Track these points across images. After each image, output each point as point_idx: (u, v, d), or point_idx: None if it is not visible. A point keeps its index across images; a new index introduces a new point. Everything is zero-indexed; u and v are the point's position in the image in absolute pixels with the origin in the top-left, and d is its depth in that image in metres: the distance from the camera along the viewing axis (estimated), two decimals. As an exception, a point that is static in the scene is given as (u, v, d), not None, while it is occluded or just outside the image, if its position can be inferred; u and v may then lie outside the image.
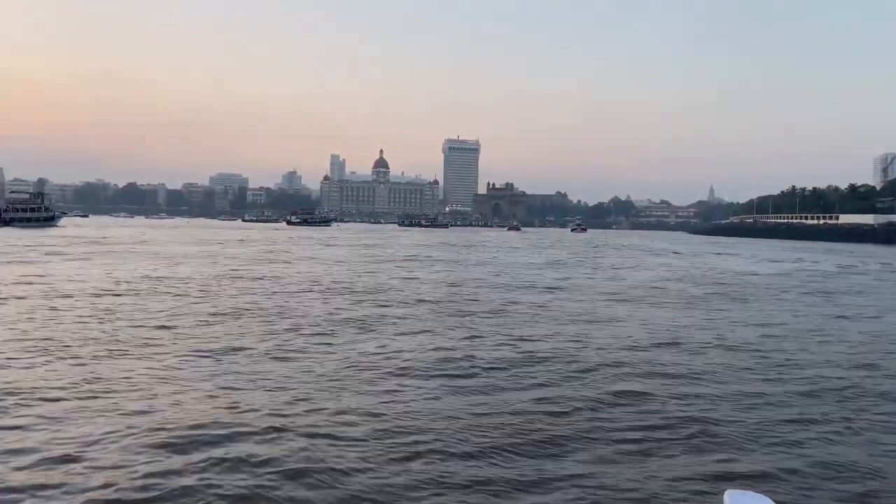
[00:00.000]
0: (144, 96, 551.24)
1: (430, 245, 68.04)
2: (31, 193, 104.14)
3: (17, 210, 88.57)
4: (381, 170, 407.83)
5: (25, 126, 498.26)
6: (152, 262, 33.33)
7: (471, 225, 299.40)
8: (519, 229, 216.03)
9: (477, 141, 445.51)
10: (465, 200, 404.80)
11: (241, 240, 62.13)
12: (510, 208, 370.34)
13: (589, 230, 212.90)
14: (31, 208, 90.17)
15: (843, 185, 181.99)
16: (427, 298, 20.97)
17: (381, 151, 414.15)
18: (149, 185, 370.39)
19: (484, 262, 39.89)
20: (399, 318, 17.12)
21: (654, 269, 41.09)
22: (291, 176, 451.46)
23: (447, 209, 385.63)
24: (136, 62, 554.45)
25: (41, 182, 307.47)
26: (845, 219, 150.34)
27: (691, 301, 23.06)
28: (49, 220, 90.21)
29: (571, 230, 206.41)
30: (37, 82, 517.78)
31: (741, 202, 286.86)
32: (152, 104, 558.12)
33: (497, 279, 28.49)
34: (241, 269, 30.20)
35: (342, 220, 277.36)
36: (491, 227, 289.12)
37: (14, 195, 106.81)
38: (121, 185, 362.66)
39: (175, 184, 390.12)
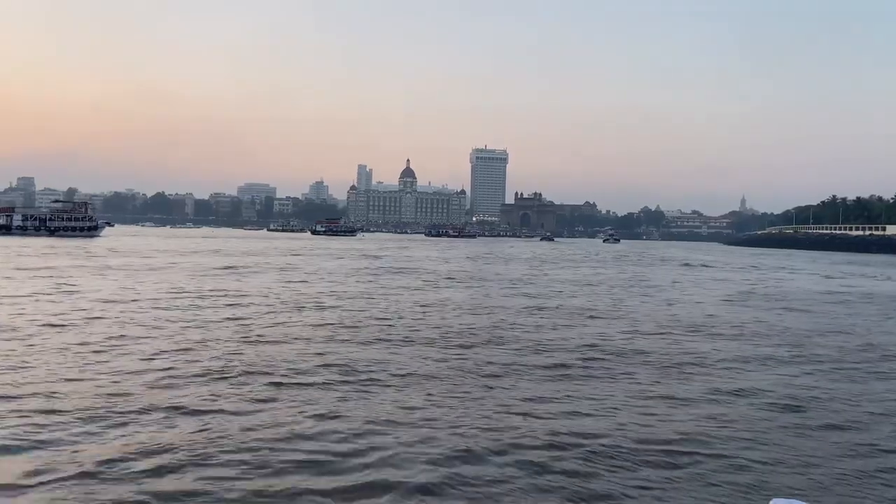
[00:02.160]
0: (174, 108, 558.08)
1: (458, 257, 63.00)
2: (74, 203, 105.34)
3: (63, 219, 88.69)
4: (408, 179, 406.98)
5: (57, 137, 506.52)
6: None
7: (498, 235, 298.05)
8: (552, 240, 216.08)
9: (505, 150, 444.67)
10: (493, 210, 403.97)
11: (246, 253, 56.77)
12: (538, 218, 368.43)
13: (621, 240, 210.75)
14: (76, 217, 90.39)
15: (887, 196, 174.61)
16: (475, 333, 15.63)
17: (408, 161, 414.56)
18: (177, 194, 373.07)
19: (527, 280, 34.41)
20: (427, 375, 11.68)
21: (719, 287, 35.23)
22: (318, 186, 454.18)
23: (474, 219, 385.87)
24: (167, 74, 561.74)
25: (71, 192, 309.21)
26: (892, 229, 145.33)
27: (800, 341, 17.28)
28: (93, 230, 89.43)
29: (604, 241, 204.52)
30: (69, 92, 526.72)
31: (776, 213, 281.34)
32: (182, 115, 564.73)
33: (560, 302, 23.15)
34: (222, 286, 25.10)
35: (368, 230, 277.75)
36: (519, 237, 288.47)
37: (57, 204, 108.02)
38: (149, 195, 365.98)
39: (203, 194, 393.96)
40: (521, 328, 17.51)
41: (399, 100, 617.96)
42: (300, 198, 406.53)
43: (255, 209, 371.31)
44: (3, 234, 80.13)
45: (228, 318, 16.81)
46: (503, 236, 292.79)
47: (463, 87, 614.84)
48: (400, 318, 18.38)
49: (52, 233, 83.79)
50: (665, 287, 33.73)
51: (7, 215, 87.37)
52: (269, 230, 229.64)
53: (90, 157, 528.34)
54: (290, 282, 27.70)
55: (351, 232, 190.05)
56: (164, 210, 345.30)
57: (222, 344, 13.06)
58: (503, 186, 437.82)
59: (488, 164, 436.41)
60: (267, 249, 71.28)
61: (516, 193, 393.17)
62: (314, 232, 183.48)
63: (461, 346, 14.45)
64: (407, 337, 15.28)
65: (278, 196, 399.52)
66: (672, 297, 28.15)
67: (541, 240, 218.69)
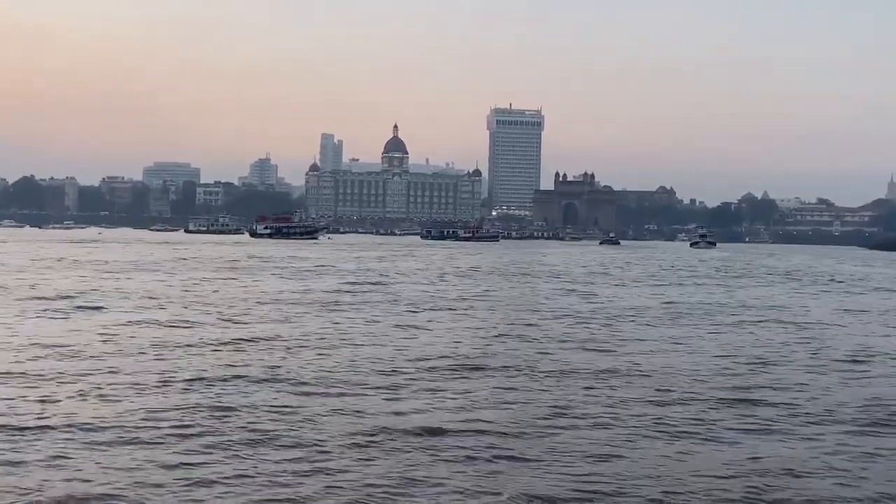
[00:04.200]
0: (50, 57, 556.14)
1: (471, 279, 58.37)
2: None
3: None
4: (396, 155, 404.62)
5: None
6: None
7: (532, 236, 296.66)
8: (616, 243, 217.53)
9: (539, 110, 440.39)
10: (522, 199, 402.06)
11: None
12: (590, 211, 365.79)
13: (717, 244, 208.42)
14: None
15: None
16: None
17: (396, 128, 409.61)
18: (53, 179, 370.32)
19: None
20: None
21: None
22: (263, 165, 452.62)
23: (494, 212, 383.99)
24: (39, 7, 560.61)
25: None
26: None
27: None
28: None
29: (692, 245, 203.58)
30: None
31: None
32: (61, 68, 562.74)
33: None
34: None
35: (336, 230, 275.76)
36: (562, 238, 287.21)
37: None
38: (11, 181, 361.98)
39: (92, 178, 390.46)
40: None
41: (382, 39, 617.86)
42: (236, 183, 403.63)
43: (168, 199, 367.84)
44: None
45: None
46: (537, 237, 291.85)
47: (477, 18, 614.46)
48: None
49: None
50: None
51: None
52: (188, 231, 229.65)
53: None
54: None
55: (310, 233, 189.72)
56: (33, 201, 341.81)
57: None
58: (537, 164, 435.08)
59: (515, 132, 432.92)
60: (164, 261, 70.06)
61: (557, 174, 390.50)
62: (254, 233, 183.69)
63: None
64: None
65: (204, 180, 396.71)
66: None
67: (600, 243, 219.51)
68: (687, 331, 28.86)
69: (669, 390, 17.42)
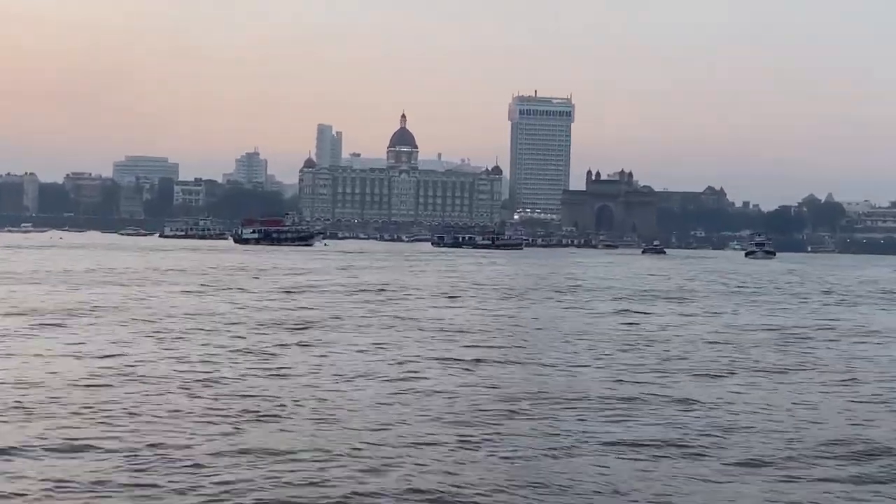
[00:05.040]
0: (5, 32, 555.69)
1: (488, 301, 55.45)
2: None
3: None
4: (404, 149, 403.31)
5: None
6: None
7: (560, 244, 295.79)
8: (663, 252, 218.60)
9: (568, 98, 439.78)
10: (549, 200, 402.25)
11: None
12: (628, 214, 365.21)
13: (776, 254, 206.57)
14: None
15: None
16: None
17: (404, 119, 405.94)
18: (9, 175, 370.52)
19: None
20: None
21: None
22: (251, 160, 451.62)
23: (517, 216, 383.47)
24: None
25: None
26: None
27: None
28: None
29: (747, 254, 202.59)
30: None
31: None
32: (21, 46, 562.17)
33: None
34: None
35: (334, 235, 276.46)
36: (595, 246, 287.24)
37: None
38: None
39: (55, 175, 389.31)
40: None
41: (387, 18, 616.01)
42: (220, 181, 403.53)
43: (142, 199, 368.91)
44: None
45: None
46: (566, 245, 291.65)
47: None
48: None
49: None
50: None
51: None
52: (163, 235, 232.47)
53: None
54: None
55: (304, 238, 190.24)
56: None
57: None
58: (565, 161, 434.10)
59: (540, 123, 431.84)
60: (127, 273, 68.67)
61: (588, 173, 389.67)
62: (239, 239, 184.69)
63: None
64: None
65: (182, 177, 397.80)
66: None
67: (643, 252, 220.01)
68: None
69: None
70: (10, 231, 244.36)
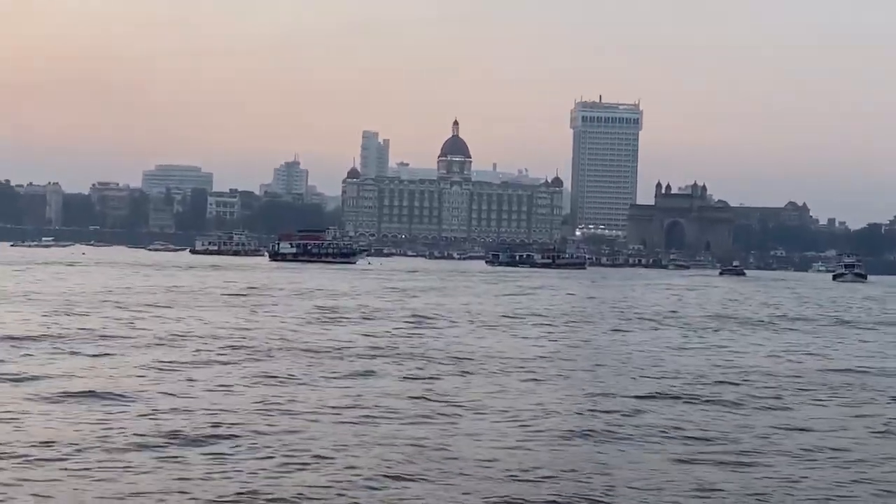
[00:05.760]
0: (27, 35, 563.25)
1: (554, 338, 52.71)
2: None
3: None
4: (456, 159, 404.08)
5: None
6: None
7: (626, 263, 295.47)
8: (742, 273, 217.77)
9: (636, 104, 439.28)
10: (613, 216, 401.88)
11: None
12: (701, 232, 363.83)
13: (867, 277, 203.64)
14: None
15: None
16: None
17: (456, 125, 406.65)
18: (32, 185, 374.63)
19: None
20: None
21: None
22: (290, 170, 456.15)
23: (578, 232, 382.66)
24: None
25: None
26: None
27: None
28: None
29: (835, 277, 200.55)
30: None
31: None
32: (44, 51, 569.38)
33: None
34: None
35: (380, 251, 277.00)
36: (665, 266, 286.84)
37: None
38: None
39: (79, 185, 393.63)
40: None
41: (437, 15, 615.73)
42: (257, 192, 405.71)
43: (172, 211, 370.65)
44: None
45: None
46: (633, 264, 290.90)
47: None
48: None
49: None
50: None
51: None
52: (193, 251, 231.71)
53: None
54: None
55: (346, 255, 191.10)
56: (8, 212, 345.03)
57: None
58: (632, 173, 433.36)
59: (605, 132, 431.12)
60: (122, 292, 68.25)
61: (658, 186, 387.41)
62: (275, 255, 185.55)
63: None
64: None
65: (217, 188, 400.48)
66: None
67: (720, 273, 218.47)
68: None
69: None
70: (29, 245, 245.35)
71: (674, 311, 71.04)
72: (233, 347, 35.53)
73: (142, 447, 18.14)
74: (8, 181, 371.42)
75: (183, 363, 30.55)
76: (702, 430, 22.05)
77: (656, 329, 53.75)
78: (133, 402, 23.08)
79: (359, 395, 25.25)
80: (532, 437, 20.91)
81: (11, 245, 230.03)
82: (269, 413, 22.27)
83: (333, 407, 23.38)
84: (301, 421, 21.73)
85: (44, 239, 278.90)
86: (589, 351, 40.76)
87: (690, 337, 48.85)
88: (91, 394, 24.02)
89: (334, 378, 28.74)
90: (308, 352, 35.01)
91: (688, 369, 33.61)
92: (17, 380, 25.88)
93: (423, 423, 22.41)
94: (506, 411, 23.84)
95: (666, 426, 22.48)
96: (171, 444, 18.94)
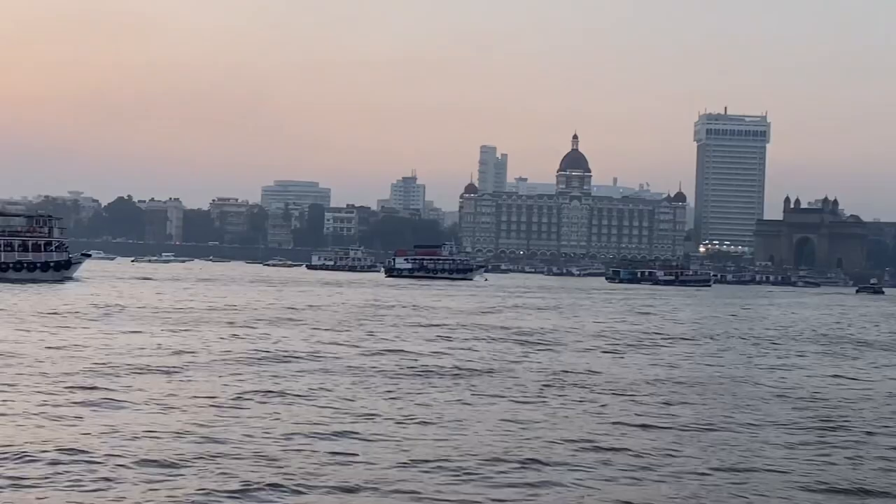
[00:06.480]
0: (149, 53, 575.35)
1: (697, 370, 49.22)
2: (33, 217, 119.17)
3: (16, 248, 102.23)
4: (575, 173, 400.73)
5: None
6: None
7: (753, 280, 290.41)
8: (881, 292, 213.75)
9: (763, 117, 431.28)
10: (740, 232, 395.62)
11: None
12: (831, 249, 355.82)
13: None
14: (36, 244, 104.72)
15: None
16: None
17: (575, 139, 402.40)
18: (154, 201, 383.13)
19: None
20: None
21: None
22: (407, 185, 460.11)
23: (702, 248, 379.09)
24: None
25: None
26: None
27: None
28: (64, 268, 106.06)
29: None
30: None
31: None
32: (162, 70, 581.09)
33: None
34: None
35: (497, 267, 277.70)
36: (794, 283, 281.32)
37: None
38: (105, 202, 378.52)
39: (199, 200, 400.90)
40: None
41: (555, 29, 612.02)
42: (373, 207, 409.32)
43: (290, 227, 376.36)
44: None
45: None
46: (760, 281, 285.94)
47: (671, 12, 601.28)
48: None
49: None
50: None
51: None
52: (310, 267, 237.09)
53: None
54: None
55: (463, 271, 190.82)
56: (131, 227, 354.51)
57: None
58: (759, 187, 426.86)
59: (731, 145, 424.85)
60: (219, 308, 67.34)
61: (786, 200, 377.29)
62: (391, 271, 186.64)
63: None
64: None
65: (334, 204, 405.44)
66: None
67: (857, 291, 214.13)
68: None
69: None
70: (149, 260, 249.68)
71: (844, 332, 67.21)
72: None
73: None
74: (130, 197, 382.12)
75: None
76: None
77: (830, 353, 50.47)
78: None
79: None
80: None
81: (133, 261, 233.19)
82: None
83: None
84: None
85: (164, 254, 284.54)
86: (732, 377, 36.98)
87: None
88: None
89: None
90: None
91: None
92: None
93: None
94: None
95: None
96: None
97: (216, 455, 19.95)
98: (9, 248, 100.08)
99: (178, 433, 22.02)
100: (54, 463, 18.83)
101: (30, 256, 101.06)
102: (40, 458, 18.98)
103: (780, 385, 35.16)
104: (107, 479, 17.74)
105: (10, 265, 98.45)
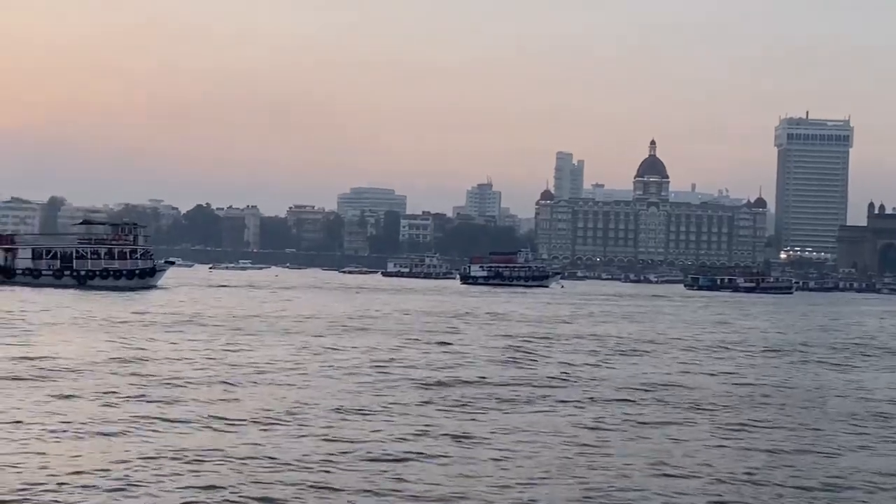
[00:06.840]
0: (228, 60, 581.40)
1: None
2: (118, 226, 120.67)
3: (101, 255, 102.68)
4: (653, 179, 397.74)
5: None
6: None
7: (836, 287, 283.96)
8: None
9: (846, 121, 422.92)
10: (822, 238, 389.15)
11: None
12: None
13: None
14: (121, 252, 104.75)
15: None
16: None
17: (653, 145, 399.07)
18: (231, 208, 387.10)
19: None
20: None
21: None
22: (482, 192, 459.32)
23: (783, 255, 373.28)
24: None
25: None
26: None
27: None
28: (148, 275, 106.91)
29: None
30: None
31: None
32: (237, 73, 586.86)
33: None
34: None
35: (572, 274, 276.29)
36: (879, 290, 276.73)
37: (80, 228, 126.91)
38: (184, 209, 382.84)
39: (276, 207, 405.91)
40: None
41: (631, 30, 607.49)
42: (449, 214, 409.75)
43: (366, 234, 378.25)
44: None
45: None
46: (843, 289, 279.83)
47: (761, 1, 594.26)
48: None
49: (82, 282, 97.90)
50: None
51: (5, 249, 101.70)
52: (385, 273, 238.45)
53: (65, 148, 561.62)
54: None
55: (539, 278, 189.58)
56: (209, 234, 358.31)
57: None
58: (842, 192, 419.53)
59: (813, 150, 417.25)
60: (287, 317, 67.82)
61: (870, 206, 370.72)
62: (466, 278, 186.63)
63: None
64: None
65: (410, 211, 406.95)
66: None
67: None
68: None
69: None
70: (227, 267, 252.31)
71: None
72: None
73: None
74: (209, 204, 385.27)
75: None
76: None
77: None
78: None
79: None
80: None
81: (210, 268, 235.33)
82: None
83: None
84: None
85: (241, 261, 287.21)
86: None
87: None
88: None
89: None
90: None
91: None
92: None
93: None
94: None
95: None
96: None
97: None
98: (95, 256, 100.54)
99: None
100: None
101: (116, 264, 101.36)
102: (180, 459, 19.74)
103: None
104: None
105: (97, 273, 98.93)
